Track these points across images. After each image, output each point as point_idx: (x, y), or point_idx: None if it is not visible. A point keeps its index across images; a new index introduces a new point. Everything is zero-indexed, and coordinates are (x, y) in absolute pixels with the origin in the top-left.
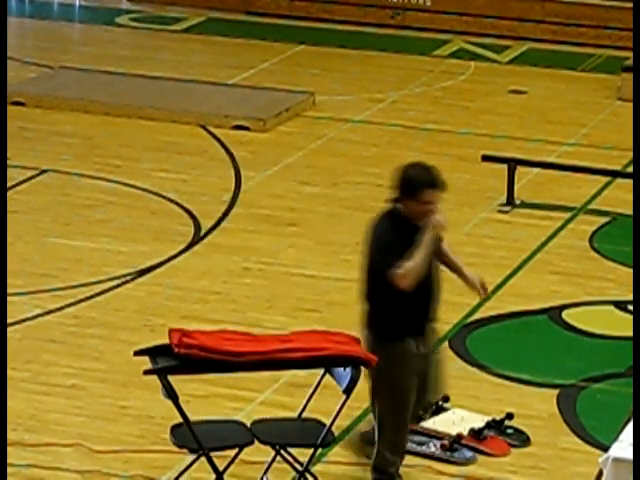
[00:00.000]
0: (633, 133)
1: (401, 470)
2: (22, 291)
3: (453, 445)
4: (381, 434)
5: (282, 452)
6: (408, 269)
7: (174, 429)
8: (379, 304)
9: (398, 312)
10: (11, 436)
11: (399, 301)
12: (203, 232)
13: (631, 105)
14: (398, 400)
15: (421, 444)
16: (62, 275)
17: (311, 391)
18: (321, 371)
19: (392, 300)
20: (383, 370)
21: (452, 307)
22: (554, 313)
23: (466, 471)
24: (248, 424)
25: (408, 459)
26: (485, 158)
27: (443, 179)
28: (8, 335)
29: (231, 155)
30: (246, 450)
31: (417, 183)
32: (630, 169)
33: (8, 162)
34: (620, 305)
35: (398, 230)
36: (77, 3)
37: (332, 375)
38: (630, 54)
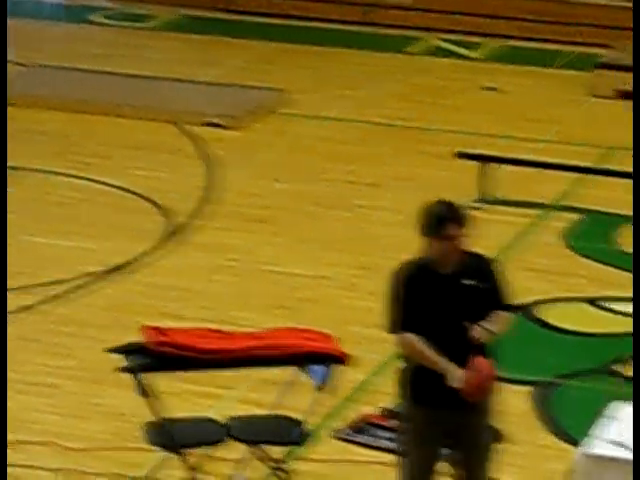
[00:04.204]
0: (633, 134)
1: (375, 468)
2: None
3: None
4: None
5: (256, 449)
6: (410, 347)
7: (148, 427)
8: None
9: (419, 370)
10: None
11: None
12: (176, 229)
13: (604, 102)
14: (402, 464)
15: (393, 440)
16: (36, 272)
17: (284, 388)
18: (295, 368)
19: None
20: (404, 425)
21: None
22: (528, 310)
23: (441, 467)
24: (222, 421)
25: (383, 456)
26: (458, 155)
27: (465, 214)
28: None
29: (204, 153)
30: (220, 447)
31: (439, 219)
32: (605, 165)
33: None
34: (593, 302)
35: (422, 280)
36: (50, 1)
37: (306, 372)
38: (603, 51)
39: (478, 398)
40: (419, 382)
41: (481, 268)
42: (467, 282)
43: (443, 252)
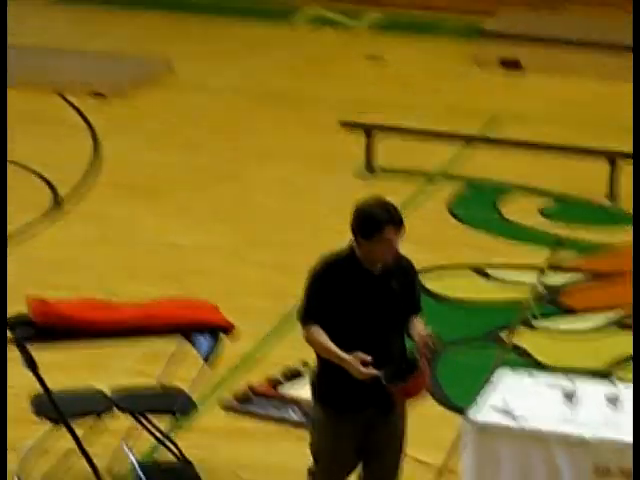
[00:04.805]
0: (633, 132)
1: (262, 437)
2: None
3: None
4: None
5: (142, 419)
6: (312, 338)
7: (34, 399)
8: (318, 356)
9: (329, 372)
10: None
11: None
12: (62, 201)
13: (488, 69)
14: (320, 465)
15: (281, 410)
16: None
17: (170, 359)
18: (180, 338)
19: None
20: (312, 425)
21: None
22: None
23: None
24: (108, 392)
25: (269, 425)
26: (343, 124)
27: (401, 215)
28: None
29: (89, 124)
30: (106, 417)
31: (377, 222)
32: (488, 134)
33: None
34: (478, 270)
35: (344, 275)
36: None
37: (192, 342)
38: (488, 19)
39: (410, 400)
40: (326, 383)
41: (404, 269)
42: (395, 285)
43: (377, 254)
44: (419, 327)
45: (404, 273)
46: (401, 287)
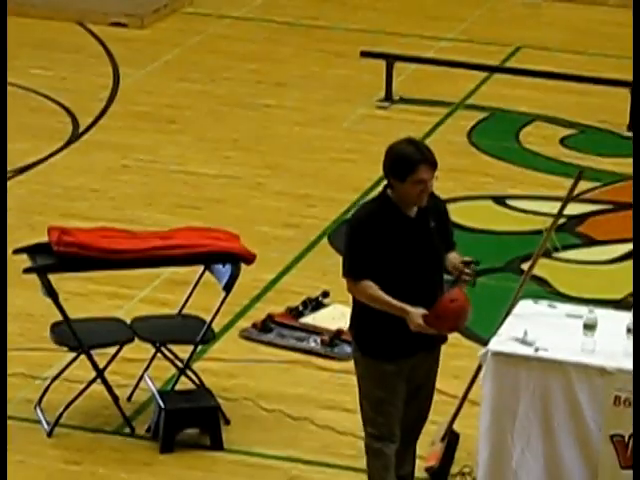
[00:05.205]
0: (633, 130)
1: (281, 367)
2: None
3: (333, 340)
4: (366, 450)
5: (162, 349)
6: (364, 293)
7: (54, 327)
8: (359, 307)
9: (379, 323)
10: None
11: (382, 311)
12: (82, 130)
13: (510, 0)
14: (371, 417)
15: (301, 340)
16: None
17: (191, 288)
18: (201, 268)
19: (373, 308)
20: (360, 380)
21: (331, 203)
22: None
23: (347, 366)
24: (128, 321)
25: (289, 355)
26: (363, 54)
27: (434, 155)
28: None
29: (109, 52)
30: (126, 347)
31: (411, 162)
32: (510, 64)
33: None
34: (499, 200)
35: (384, 222)
36: None
37: (212, 272)
38: None
39: (447, 328)
40: (376, 336)
41: (438, 208)
42: (432, 224)
43: (413, 196)
44: (453, 258)
45: (437, 211)
46: (437, 226)
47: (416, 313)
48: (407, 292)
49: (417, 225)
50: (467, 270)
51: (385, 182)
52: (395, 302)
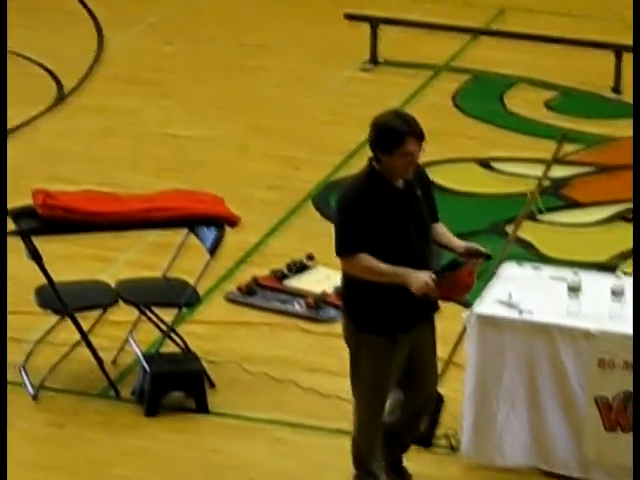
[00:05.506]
0: (633, 131)
1: (266, 329)
2: None
3: (318, 303)
4: (355, 425)
5: (147, 312)
6: (362, 266)
7: (38, 290)
8: (353, 284)
9: (375, 298)
10: None
11: (377, 286)
12: (66, 92)
13: None
14: (368, 398)
15: (285, 303)
16: None
17: (175, 251)
18: (185, 231)
19: (367, 283)
20: (355, 357)
21: (315, 165)
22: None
23: (331, 329)
24: (112, 284)
25: (274, 318)
26: (347, 16)
27: (421, 127)
28: None
29: (93, 15)
30: (111, 310)
31: (398, 134)
32: (494, 27)
33: None
34: (483, 162)
35: (374, 196)
36: None
37: (196, 235)
38: None
39: (454, 295)
40: (374, 310)
41: (421, 177)
42: (419, 194)
43: (400, 168)
44: (454, 238)
45: (421, 180)
46: (423, 195)
47: (421, 274)
48: (400, 263)
49: (405, 195)
50: (479, 260)
51: (371, 155)
52: (396, 268)
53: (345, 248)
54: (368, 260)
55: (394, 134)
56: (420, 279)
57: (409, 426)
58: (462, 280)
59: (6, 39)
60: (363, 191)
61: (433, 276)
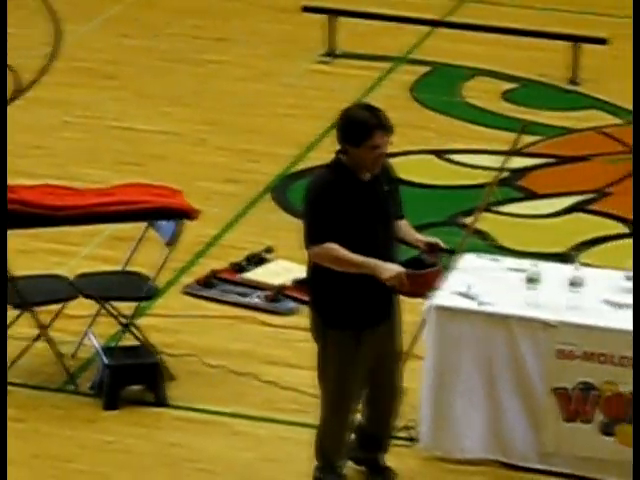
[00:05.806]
0: (633, 131)
1: (225, 322)
2: None
3: (276, 296)
4: (320, 419)
5: (106, 305)
6: (331, 256)
7: None
8: (320, 278)
9: (342, 292)
10: None
11: (344, 281)
12: (23, 86)
13: None
14: (334, 394)
15: (244, 295)
16: None
17: (134, 245)
18: (144, 225)
19: (335, 278)
20: (323, 355)
21: (274, 158)
22: None
23: (289, 321)
24: (71, 278)
25: (233, 311)
26: (305, 9)
27: (389, 120)
28: None
29: (50, 8)
30: (70, 304)
31: (366, 127)
32: (452, 18)
33: None
34: (440, 154)
35: (341, 189)
36: None
37: (155, 228)
38: None
39: (421, 292)
40: (342, 305)
41: (388, 173)
42: (386, 187)
43: (367, 161)
44: (417, 234)
45: (388, 175)
46: (390, 190)
47: (392, 265)
48: (365, 255)
49: (372, 189)
50: (439, 256)
51: (338, 147)
52: (365, 258)
53: (314, 238)
54: (337, 250)
55: (362, 127)
56: (392, 270)
57: (380, 423)
58: (430, 281)
59: (6, 39)
60: (329, 182)
61: (404, 270)
